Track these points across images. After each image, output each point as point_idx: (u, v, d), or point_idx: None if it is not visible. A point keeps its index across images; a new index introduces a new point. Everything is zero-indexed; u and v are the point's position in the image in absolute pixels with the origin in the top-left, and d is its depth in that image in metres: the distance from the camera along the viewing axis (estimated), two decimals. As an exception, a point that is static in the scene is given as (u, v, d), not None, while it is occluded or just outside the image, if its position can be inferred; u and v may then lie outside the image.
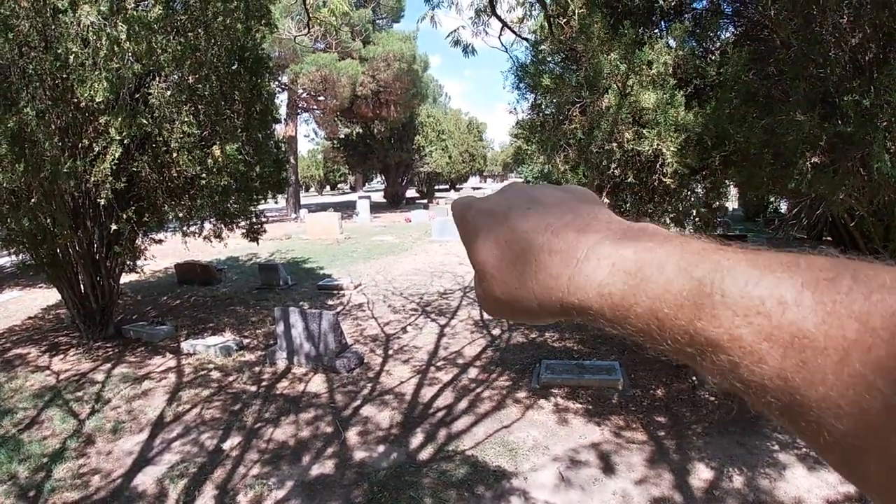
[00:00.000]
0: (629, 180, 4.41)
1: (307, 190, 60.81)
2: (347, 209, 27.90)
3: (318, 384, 5.88)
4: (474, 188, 39.17)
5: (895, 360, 0.22)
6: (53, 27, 5.19)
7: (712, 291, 0.28)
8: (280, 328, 6.45)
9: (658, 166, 4.09)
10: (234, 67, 6.95)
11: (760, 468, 4.11)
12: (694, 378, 5.56)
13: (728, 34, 5.42)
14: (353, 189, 61.60)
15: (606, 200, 4.33)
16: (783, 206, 8.85)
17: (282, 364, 6.43)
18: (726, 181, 4.87)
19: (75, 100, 5.40)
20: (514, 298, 0.39)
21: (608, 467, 4.21)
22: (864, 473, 0.23)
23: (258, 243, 8.86)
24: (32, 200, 5.51)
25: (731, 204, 16.87)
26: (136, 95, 6.00)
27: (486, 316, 8.37)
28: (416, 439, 4.68)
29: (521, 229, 0.40)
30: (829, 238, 10.25)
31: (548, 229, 0.38)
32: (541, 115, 5.06)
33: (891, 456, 0.22)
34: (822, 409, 0.24)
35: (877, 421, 0.22)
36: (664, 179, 4.07)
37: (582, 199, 0.42)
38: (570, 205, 0.41)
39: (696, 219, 4.87)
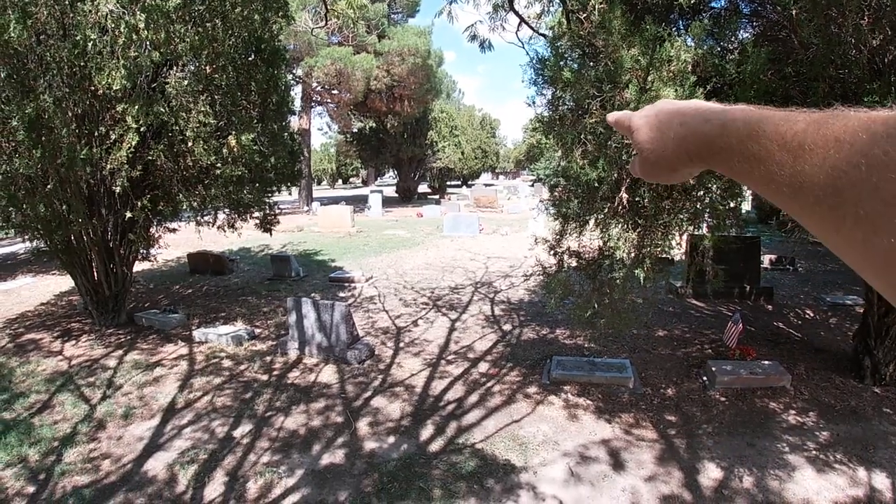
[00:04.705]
0: (646, 176, 4.36)
1: (319, 183, 60.99)
2: (359, 203, 27.92)
3: (328, 374, 5.90)
4: (486, 185, 39.09)
5: (858, 153, 0.35)
6: (72, 15, 5.22)
7: (758, 130, 0.44)
8: (292, 318, 6.47)
9: (677, 163, 4.04)
10: (250, 58, 6.98)
11: (770, 469, 4.08)
12: (704, 378, 5.52)
13: (746, 34, 5.36)
14: (365, 183, 61.70)
15: (625, 195, 4.28)
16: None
17: (293, 354, 6.45)
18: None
19: (92, 87, 5.43)
20: (659, 156, 0.57)
21: (618, 464, 4.19)
22: (838, 227, 0.36)
23: (271, 234, 8.89)
24: (48, 187, 5.56)
25: (746, 205, 16.71)
26: (153, 84, 6.03)
27: (496, 312, 8.36)
28: (427, 431, 4.69)
29: (659, 112, 0.59)
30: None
31: (677, 109, 0.57)
32: (559, 109, 5.03)
33: (862, 214, 0.34)
34: (814, 185, 0.38)
35: (843, 183, 0.35)
36: (683, 176, 4.03)
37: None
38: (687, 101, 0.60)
39: (711, 218, 4.81)
